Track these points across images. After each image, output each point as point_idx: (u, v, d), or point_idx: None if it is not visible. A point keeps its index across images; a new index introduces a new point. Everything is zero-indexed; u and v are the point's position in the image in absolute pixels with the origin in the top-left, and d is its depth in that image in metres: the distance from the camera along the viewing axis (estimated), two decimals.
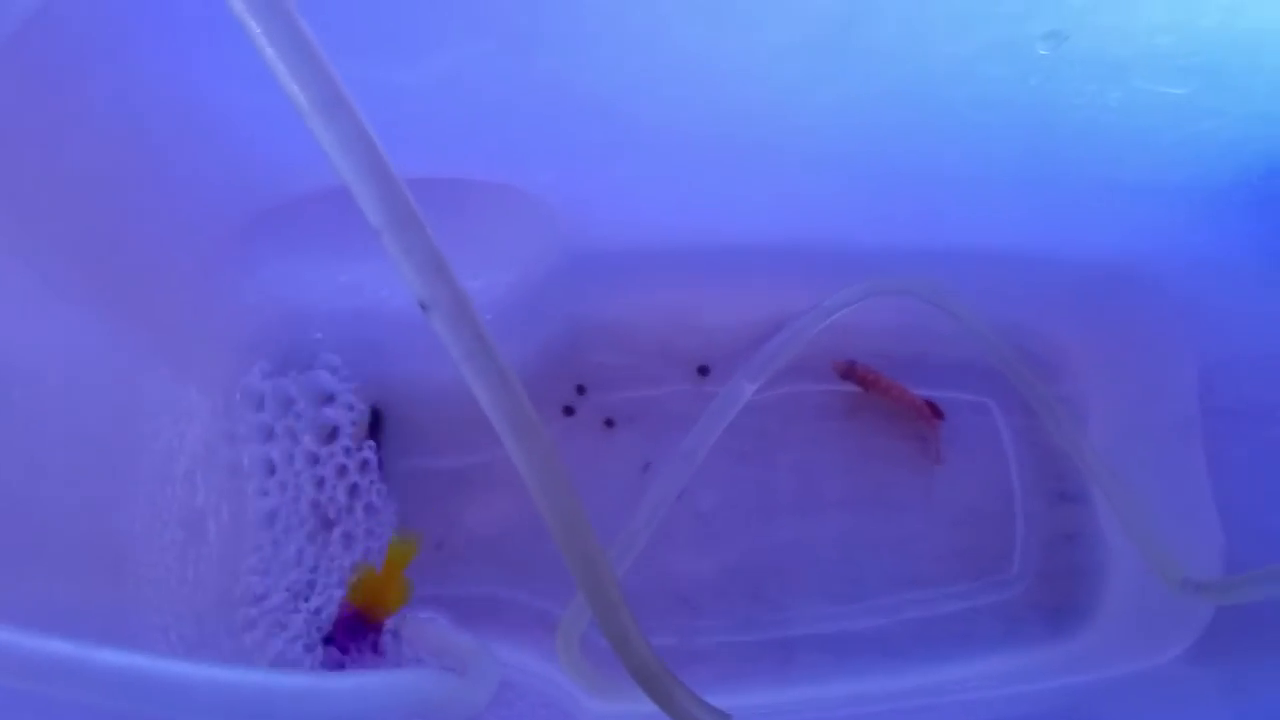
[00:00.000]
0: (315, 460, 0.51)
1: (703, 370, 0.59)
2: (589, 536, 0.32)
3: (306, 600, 0.49)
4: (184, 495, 0.46)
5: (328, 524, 0.51)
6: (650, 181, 0.50)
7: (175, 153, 0.41)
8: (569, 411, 0.57)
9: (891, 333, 0.58)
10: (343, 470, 0.52)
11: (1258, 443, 0.48)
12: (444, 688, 0.37)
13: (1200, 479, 0.49)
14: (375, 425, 0.54)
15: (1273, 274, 0.47)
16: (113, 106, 0.38)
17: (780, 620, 0.54)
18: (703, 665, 0.53)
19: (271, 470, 0.50)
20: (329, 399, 0.52)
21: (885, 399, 0.57)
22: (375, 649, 0.47)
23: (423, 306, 0.27)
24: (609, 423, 0.57)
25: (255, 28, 0.24)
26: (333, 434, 0.52)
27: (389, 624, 0.48)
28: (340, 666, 0.46)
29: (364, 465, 0.53)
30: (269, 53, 0.24)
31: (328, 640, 0.47)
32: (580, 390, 0.58)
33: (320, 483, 0.51)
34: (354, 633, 0.47)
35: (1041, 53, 0.38)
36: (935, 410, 0.57)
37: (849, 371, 0.57)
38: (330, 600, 0.49)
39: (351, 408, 0.53)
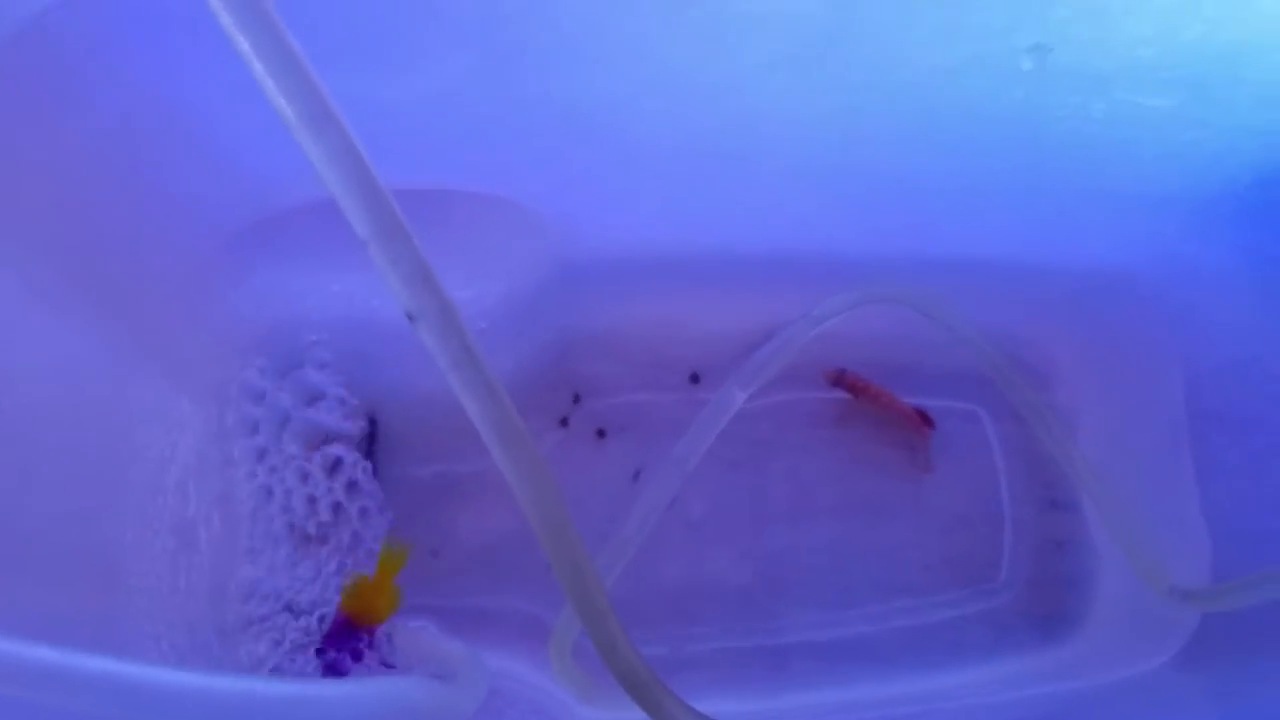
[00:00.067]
0: (307, 469, 0.51)
1: (694, 378, 0.59)
2: (576, 544, 0.32)
3: (298, 608, 0.49)
4: (175, 504, 0.46)
5: (320, 532, 0.51)
6: (641, 192, 0.50)
7: (166, 164, 0.41)
8: (564, 423, 0.58)
9: (882, 341, 0.58)
10: (335, 478, 0.52)
11: (1244, 450, 0.48)
12: (432, 695, 0.37)
13: (1188, 485, 0.50)
14: (369, 434, 0.54)
15: (1259, 283, 0.48)
16: (103, 119, 0.38)
17: (771, 628, 0.54)
18: (694, 673, 0.53)
19: (263, 479, 0.50)
20: (321, 407, 0.52)
21: (876, 407, 0.57)
22: (365, 656, 0.47)
23: (410, 317, 0.28)
24: (600, 432, 0.58)
25: (243, 43, 0.24)
26: (325, 441, 0.53)
27: (380, 631, 0.48)
28: (330, 674, 0.46)
29: (357, 473, 0.53)
30: (257, 67, 0.24)
31: (319, 648, 0.48)
32: (576, 399, 0.58)
33: (312, 491, 0.51)
34: (345, 640, 0.47)
35: (1026, 67, 0.39)
36: (926, 419, 0.57)
37: (840, 379, 0.57)
38: (321, 607, 0.49)
39: (345, 416, 0.53)
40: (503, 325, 0.53)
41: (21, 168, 0.36)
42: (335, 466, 0.52)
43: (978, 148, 0.45)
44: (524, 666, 0.51)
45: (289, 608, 0.49)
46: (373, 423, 0.55)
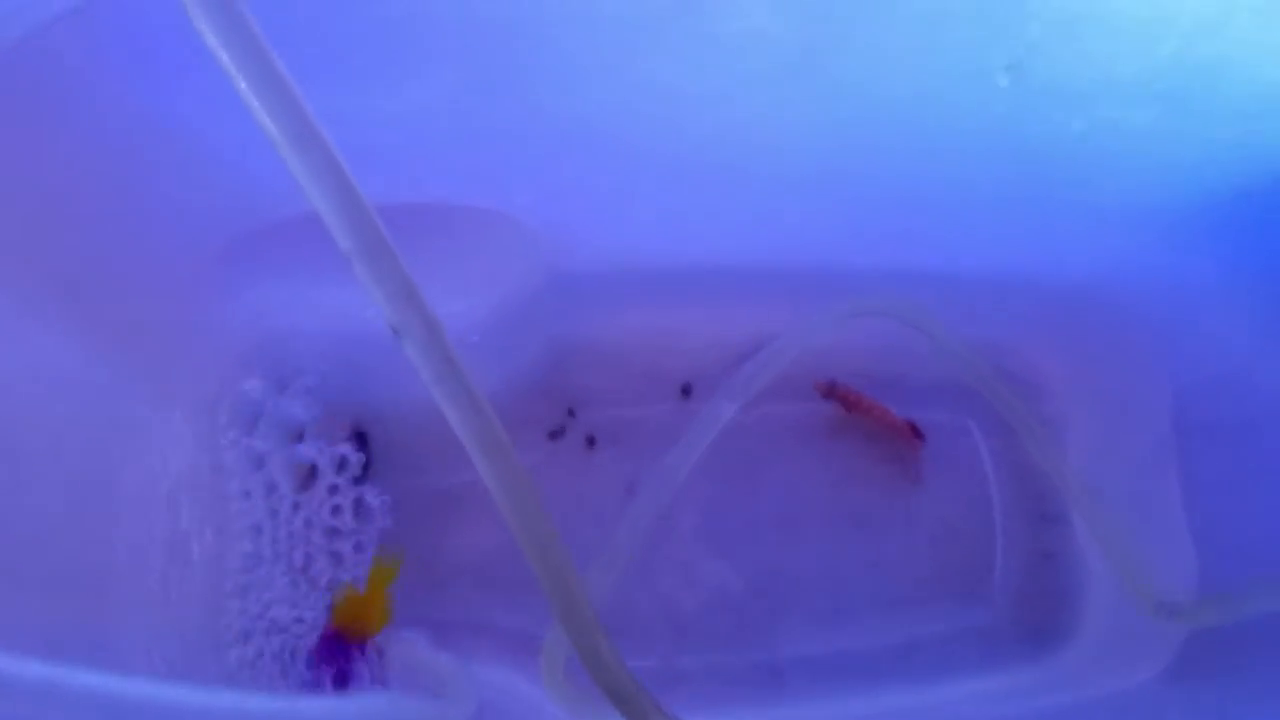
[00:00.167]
0: (299, 481, 0.52)
1: (686, 390, 0.59)
2: (561, 556, 0.32)
3: (289, 621, 0.49)
4: (167, 517, 0.46)
5: (311, 545, 0.51)
6: (631, 204, 0.50)
7: (157, 177, 0.42)
8: (556, 435, 0.58)
9: (873, 353, 0.58)
10: (327, 490, 0.52)
11: (1230, 462, 0.48)
12: (421, 710, 0.37)
13: (1174, 498, 0.50)
14: (361, 447, 0.54)
15: (1243, 295, 0.48)
16: (95, 132, 0.38)
17: (763, 641, 0.54)
18: (686, 686, 0.53)
19: (255, 491, 0.50)
20: (312, 419, 0.53)
21: (867, 419, 0.57)
22: (356, 670, 0.47)
23: (394, 332, 0.28)
24: (590, 442, 0.58)
25: (226, 60, 0.24)
26: (318, 453, 0.53)
27: (371, 644, 0.48)
28: (321, 687, 0.46)
29: (348, 485, 0.53)
30: (241, 86, 0.25)
31: (309, 661, 0.48)
32: (571, 413, 0.58)
33: (304, 503, 0.51)
34: (336, 654, 0.47)
35: (1003, 84, 0.39)
36: (916, 432, 0.58)
37: (831, 391, 0.57)
38: (312, 620, 0.49)
39: (338, 428, 0.53)
40: (494, 337, 0.53)
41: (12, 181, 0.36)
42: (327, 477, 0.52)
43: (963, 162, 0.46)
44: (515, 680, 0.51)
45: (280, 621, 0.49)
46: (364, 435, 0.55)
